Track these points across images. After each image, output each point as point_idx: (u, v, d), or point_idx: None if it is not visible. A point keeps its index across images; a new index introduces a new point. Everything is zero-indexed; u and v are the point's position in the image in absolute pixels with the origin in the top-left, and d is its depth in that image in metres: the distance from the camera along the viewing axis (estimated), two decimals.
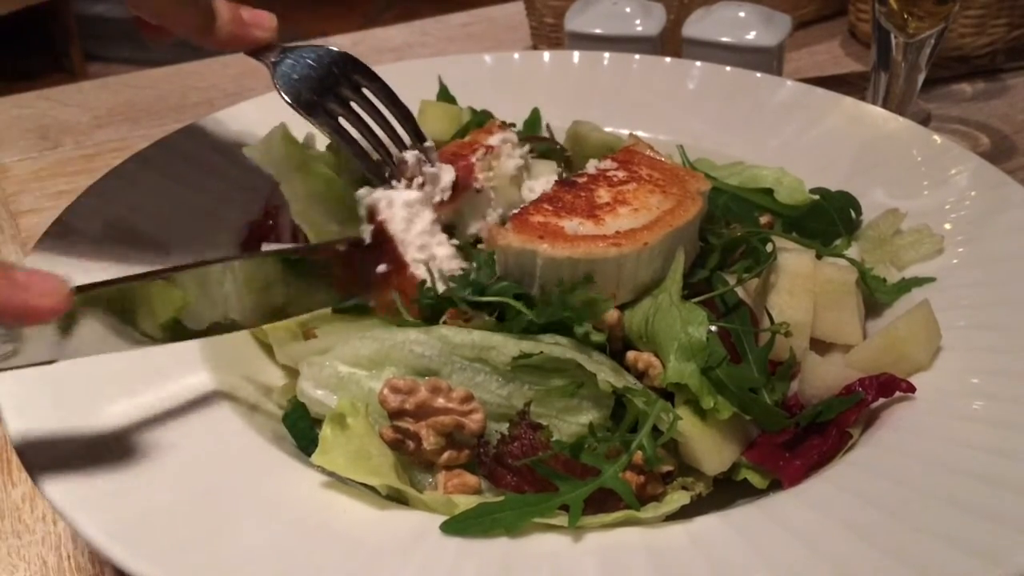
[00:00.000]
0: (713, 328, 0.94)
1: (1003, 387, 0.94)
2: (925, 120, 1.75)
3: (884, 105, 1.51)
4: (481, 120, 1.34)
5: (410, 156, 1.12)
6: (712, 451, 0.90)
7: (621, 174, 1.08)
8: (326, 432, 0.87)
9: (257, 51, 1.13)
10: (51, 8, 5.48)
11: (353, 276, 1.03)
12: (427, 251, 1.07)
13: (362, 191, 1.08)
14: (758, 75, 1.53)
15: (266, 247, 1.10)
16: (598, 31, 1.77)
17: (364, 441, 0.88)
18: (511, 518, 0.80)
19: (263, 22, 1.10)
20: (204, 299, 0.86)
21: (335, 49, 1.15)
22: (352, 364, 0.96)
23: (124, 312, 0.80)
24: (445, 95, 1.45)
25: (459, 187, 1.13)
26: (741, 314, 0.99)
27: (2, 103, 1.95)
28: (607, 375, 0.91)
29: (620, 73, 1.58)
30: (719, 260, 1.07)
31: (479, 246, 1.10)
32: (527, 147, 1.24)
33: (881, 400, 0.95)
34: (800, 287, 1.04)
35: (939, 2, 1.42)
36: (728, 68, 1.55)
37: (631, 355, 0.96)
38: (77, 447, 0.85)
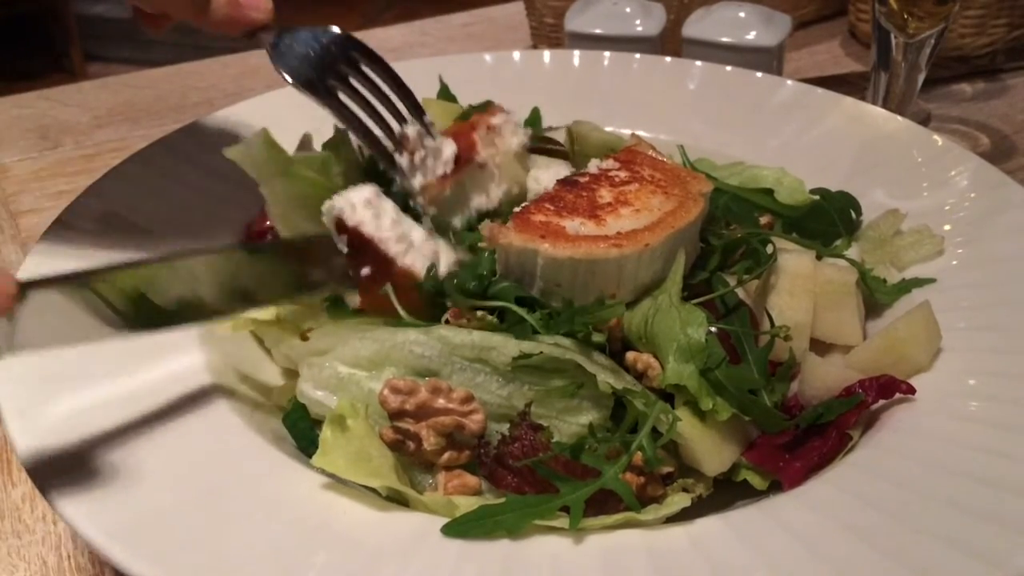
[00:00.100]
0: (713, 329, 0.94)
1: (1003, 388, 0.94)
2: (925, 120, 1.75)
3: (884, 105, 1.51)
4: (482, 108, 1.34)
5: (411, 130, 1.13)
6: (712, 452, 0.90)
7: (623, 174, 1.08)
8: (326, 434, 0.87)
9: (254, 33, 1.13)
10: (51, 8, 5.49)
11: (318, 269, 1.03)
12: (405, 240, 1.06)
13: (324, 205, 1.07)
14: (758, 75, 1.53)
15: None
16: (598, 31, 1.77)
17: (364, 442, 0.88)
18: (512, 520, 0.80)
19: (259, 3, 1.10)
20: (172, 288, 0.86)
21: (331, 28, 1.15)
22: (352, 365, 0.96)
23: (88, 303, 0.80)
24: (446, 94, 1.45)
25: (461, 160, 1.14)
26: (741, 315, 0.99)
27: (2, 103, 1.95)
28: (607, 376, 0.90)
29: (620, 73, 1.58)
30: (719, 261, 1.07)
31: (480, 244, 1.09)
32: (530, 130, 1.25)
33: (881, 401, 0.95)
34: (800, 288, 1.04)
35: (939, 2, 1.42)
36: (728, 68, 1.55)
37: (630, 356, 0.96)
38: (77, 448, 0.85)
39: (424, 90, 1.41)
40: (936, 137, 1.34)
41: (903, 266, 1.15)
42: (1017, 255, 1.10)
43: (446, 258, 1.06)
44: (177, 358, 1.00)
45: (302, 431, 0.95)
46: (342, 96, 1.13)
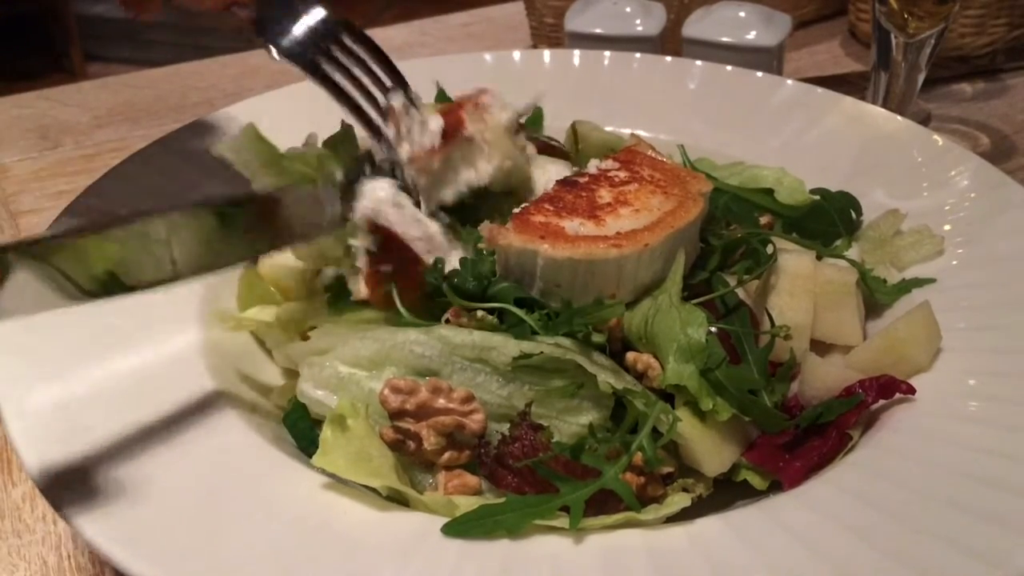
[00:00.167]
0: (713, 329, 0.94)
1: (1003, 388, 0.94)
2: (925, 120, 1.76)
3: (884, 105, 1.51)
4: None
5: (397, 101, 1.12)
6: (712, 452, 0.90)
7: (623, 174, 1.08)
8: (326, 433, 0.87)
9: (235, 6, 1.13)
10: (51, 8, 5.49)
11: (286, 226, 0.99)
12: (428, 240, 1.07)
13: (362, 202, 1.07)
14: (758, 75, 1.53)
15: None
16: (598, 31, 1.77)
17: (364, 442, 0.88)
18: (512, 520, 0.80)
19: None
20: (141, 253, 0.83)
21: (312, 2, 1.15)
22: (352, 364, 0.96)
23: (52, 270, 0.77)
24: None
25: (449, 134, 1.12)
26: (741, 315, 0.99)
27: (2, 103, 1.95)
28: (607, 376, 0.91)
29: (620, 73, 1.58)
30: (719, 261, 1.07)
31: (479, 245, 1.09)
32: (518, 109, 1.23)
33: (881, 402, 0.95)
34: (800, 288, 1.04)
35: (939, 2, 1.42)
36: (728, 68, 1.55)
37: (630, 356, 0.96)
38: (77, 449, 0.85)
39: (424, 90, 1.41)
40: (936, 137, 1.34)
41: (903, 266, 1.15)
42: (1017, 255, 1.10)
43: (456, 256, 1.06)
44: (177, 358, 1.00)
45: (302, 431, 0.95)
46: (326, 68, 1.12)
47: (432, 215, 1.10)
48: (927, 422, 0.92)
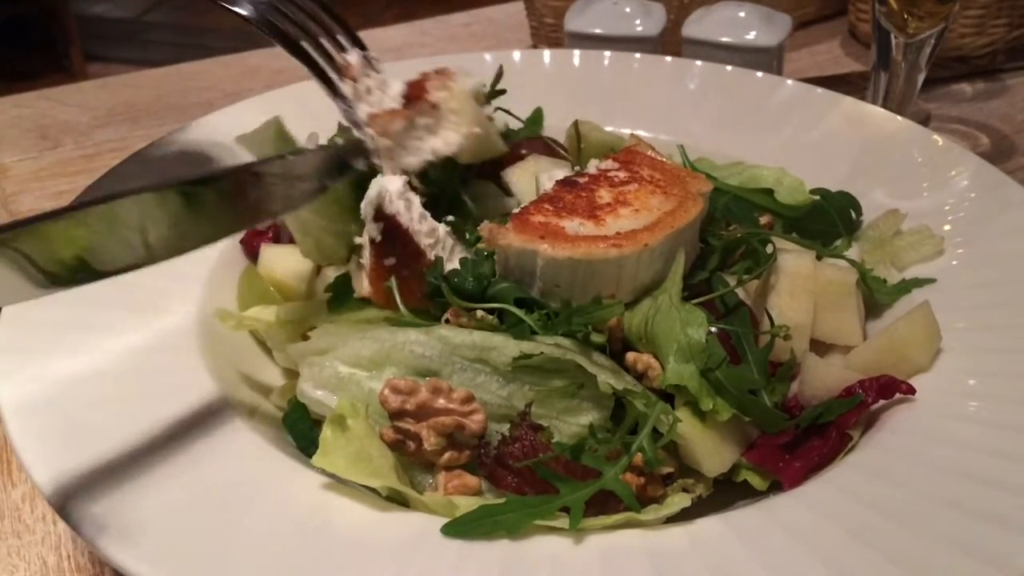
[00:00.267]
0: (713, 329, 0.94)
1: (1003, 388, 0.94)
2: (925, 120, 1.76)
3: (884, 105, 1.51)
4: None
5: (353, 58, 1.12)
6: (712, 453, 0.90)
7: (622, 174, 1.08)
8: (326, 434, 0.87)
9: None
10: (51, 8, 5.49)
11: (259, 201, 0.96)
12: (433, 235, 1.07)
13: (370, 191, 1.07)
14: (758, 75, 1.53)
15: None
16: (598, 31, 1.77)
17: (364, 443, 0.88)
18: (512, 520, 0.80)
19: None
20: (110, 236, 0.81)
21: None
22: (352, 365, 0.96)
23: (18, 256, 0.75)
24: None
25: (411, 98, 1.12)
26: (741, 315, 0.99)
27: (2, 103, 1.95)
28: (607, 376, 0.91)
29: (620, 73, 1.58)
30: (719, 261, 1.07)
31: (479, 244, 1.10)
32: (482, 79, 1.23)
33: (881, 402, 0.95)
34: (800, 288, 1.04)
35: (939, 2, 1.42)
36: (728, 68, 1.55)
37: (631, 356, 0.96)
38: (77, 450, 0.85)
39: None
40: (936, 137, 1.34)
41: (903, 266, 1.15)
42: (1017, 255, 1.10)
43: (458, 256, 1.07)
44: (177, 358, 1.00)
45: (302, 431, 0.95)
46: (281, 25, 1.11)
47: (437, 219, 1.10)
48: (927, 422, 0.92)
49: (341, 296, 1.07)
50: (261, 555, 0.77)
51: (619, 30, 1.76)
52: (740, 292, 1.02)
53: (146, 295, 1.06)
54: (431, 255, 1.06)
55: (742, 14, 1.73)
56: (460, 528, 0.80)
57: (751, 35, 1.70)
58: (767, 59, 1.69)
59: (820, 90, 1.48)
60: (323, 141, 1.20)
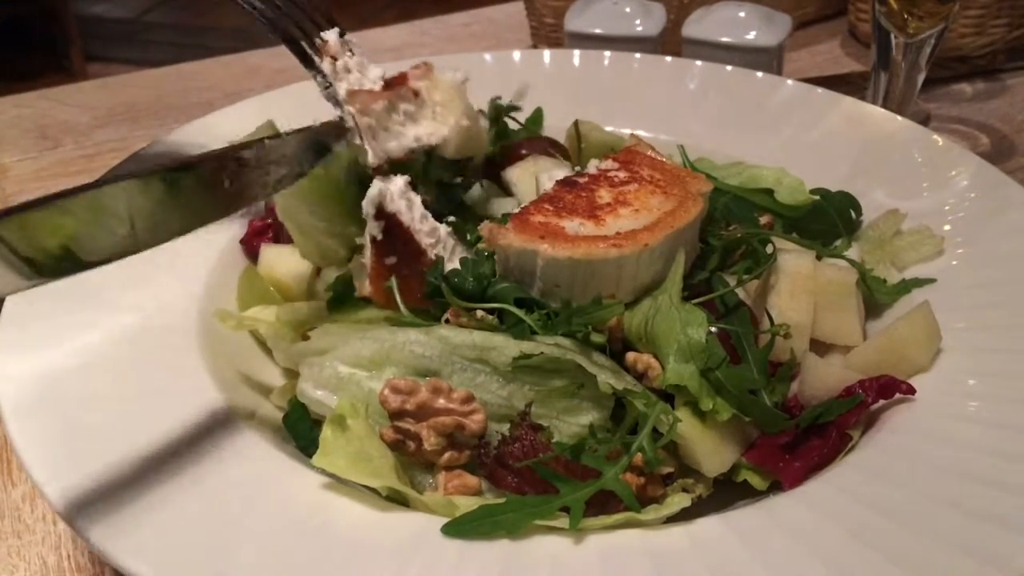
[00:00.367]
0: (713, 329, 0.94)
1: (1003, 388, 0.94)
2: (925, 120, 1.76)
3: (884, 105, 1.51)
4: None
5: (330, 36, 1.12)
6: (712, 453, 0.90)
7: (622, 174, 1.08)
8: (326, 434, 0.87)
9: None
10: (51, 8, 5.49)
11: (240, 186, 0.96)
12: (434, 235, 1.07)
13: (371, 190, 1.07)
14: (758, 75, 1.53)
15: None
16: (598, 31, 1.78)
17: (364, 443, 0.88)
18: (512, 520, 0.80)
19: None
20: (95, 225, 0.80)
21: None
22: (352, 365, 0.96)
23: (3, 248, 0.73)
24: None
25: (392, 84, 1.12)
26: (741, 315, 0.99)
27: (2, 103, 1.95)
28: (607, 376, 0.91)
29: (620, 73, 1.58)
30: (719, 261, 1.07)
31: (479, 244, 1.10)
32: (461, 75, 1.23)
33: (881, 402, 0.95)
34: (800, 288, 1.04)
35: (939, 2, 1.42)
36: (728, 68, 1.55)
37: (631, 356, 0.96)
38: (77, 450, 0.85)
39: None
40: (936, 137, 1.34)
41: (903, 266, 1.15)
42: (1017, 255, 1.10)
43: (458, 256, 1.07)
44: (177, 358, 1.00)
45: (302, 431, 0.95)
46: (261, 5, 1.11)
47: (437, 218, 1.10)
48: (927, 422, 0.92)
49: (341, 296, 1.07)
50: (261, 555, 0.77)
51: (619, 30, 1.76)
52: (740, 292, 1.02)
53: (146, 295, 1.06)
54: (432, 254, 1.06)
55: (742, 14, 1.73)
56: (460, 528, 0.80)
57: (751, 35, 1.70)
58: (767, 59, 1.69)
59: (820, 90, 1.48)
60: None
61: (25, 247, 0.74)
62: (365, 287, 1.05)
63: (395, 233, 1.06)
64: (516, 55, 1.64)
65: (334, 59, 1.10)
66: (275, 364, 1.10)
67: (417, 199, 1.08)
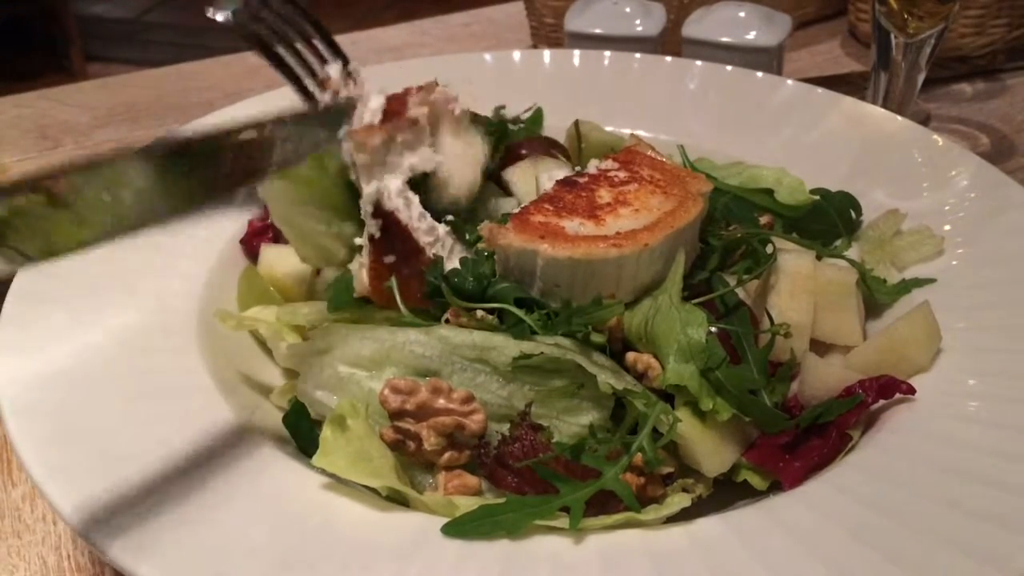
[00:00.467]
0: (713, 329, 0.94)
1: (1003, 388, 0.94)
2: (925, 120, 1.76)
3: (884, 105, 1.51)
4: None
5: (333, 70, 1.12)
6: (712, 453, 0.90)
7: (622, 174, 1.08)
8: (326, 434, 0.87)
9: None
10: (51, 8, 5.49)
11: (244, 167, 0.92)
12: (433, 233, 1.07)
13: (369, 188, 1.07)
14: (758, 75, 1.53)
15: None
16: (598, 31, 1.77)
17: (364, 443, 0.88)
18: (512, 520, 0.80)
19: None
20: (87, 205, 0.77)
21: None
22: (352, 365, 0.96)
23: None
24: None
25: (390, 113, 1.12)
26: (741, 315, 0.99)
27: (2, 103, 1.95)
28: (607, 376, 0.91)
29: (620, 73, 1.58)
30: (719, 261, 1.07)
31: (479, 244, 1.10)
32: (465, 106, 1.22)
33: (881, 402, 0.95)
34: (800, 288, 1.04)
35: (939, 2, 1.42)
36: (728, 68, 1.55)
37: (631, 356, 0.96)
38: (76, 450, 0.85)
39: None
40: (936, 137, 1.34)
41: (903, 266, 1.15)
42: (1017, 255, 1.10)
43: (458, 255, 1.07)
44: (177, 358, 1.00)
45: (302, 431, 0.95)
46: (265, 38, 1.12)
47: (437, 218, 1.10)
48: (927, 422, 0.92)
49: (341, 296, 1.07)
50: (262, 554, 0.77)
51: (619, 30, 1.76)
52: (740, 292, 1.02)
53: (146, 295, 1.06)
54: (430, 253, 1.06)
55: (742, 14, 1.73)
56: (460, 528, 0.80)
57: (751, 35, 1.70)
58: (767, 59, 1.69)
59: (820, 90, 1.48)
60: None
61: (16, 230, 0.72)
62: (364, 287, 1.05)
63: (393, 231, 1.06)
64: (516, 55, 1.64)
65: (335, 94, 1.11)
66: (275, 364, 1.10)
67: (415, 197, 1.09)
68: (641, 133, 1.35)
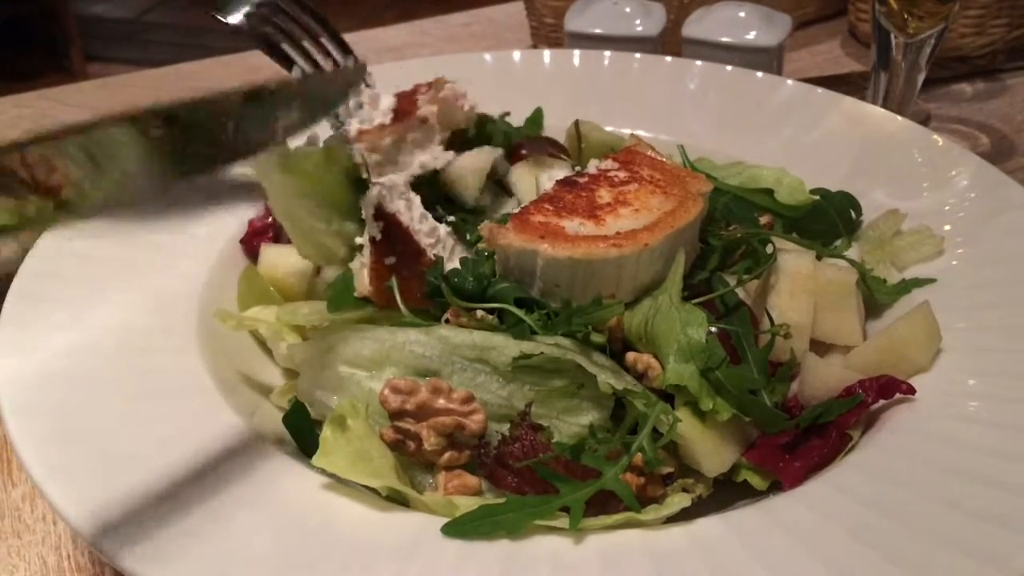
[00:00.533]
0: (713, 329, 0.94)
1: (1003, 388, 0.94)
2: (925, 120, 1.76)
3: (884, 105, 1.51)
4: None
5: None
6: (712, 453, 0.90)
7: (622, 174, 1.08)
8: (326, 434, 0.87)
9: None
10: (51, 8, 5.49)
11: (247, 133, 0.88)
12: (434, 235, 1.07)
13: (371, 191, 1.08)
14: (758, 75, 1.53)
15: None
16: (598, 31, 1.77)
17: (364, 443, 0.88)
18: (512, 520, 0.80)
19: None
20: (87, 169, 0.76)
21: None
22: (352, 365, 0.96)
23: None
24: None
25: (401, 113, 1.13)
26: (741, 315, 0.99)
27: (2, 103, 1.94)
28: (607, 376, 0.91)
29: (620, 73, 1.58)
30: (719, 261, 1.07)
31: (479, 244, 1.10)
32: (474, 104, 1.24)
33: (881, 402, 0.95)
34: (800, 288, 1.04)
35: (939, 2, 1.42)
36: (728, 68, 1.55)
37: (631, 356, 0.96)
38: (76, 450, 0.85)
39: None
40: (936, 137, 1.34)
41: (903, 266, 1.15)
42: (1017, 255, 1.10)
43: (458, 256, 1.07)
44: (177, 358, 1.00)
45: (302, 431, 0.95)
46: (274, 40, 1.12)
47: (437, 218, 1.11)
48: (927, 422, 0.92)
49: (341, 296, 1.07)
50: (261, 554, 0.77)
51: (619, 30, 1.76)
52: (740, 292, 1.02)
53: (146, 295, 1.06)
54: (431, 254, 1.06)
55: (742, 14, 1.73)
56: (460, 528, 0.80)
57: (751, 35, 1.70)
58: (767, 59, 1.69)
59: (820, 90, 1.48)
60: (322, 139, 1.20)
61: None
62: (364, 287, 1.05)
63: (394, 233, 1.06)
64: (516, 55, 1.64)
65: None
66: (275, 364, 1.10)
67: (416, 199, 1.09)
68: (641, 133, 1.35)
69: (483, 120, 1.31)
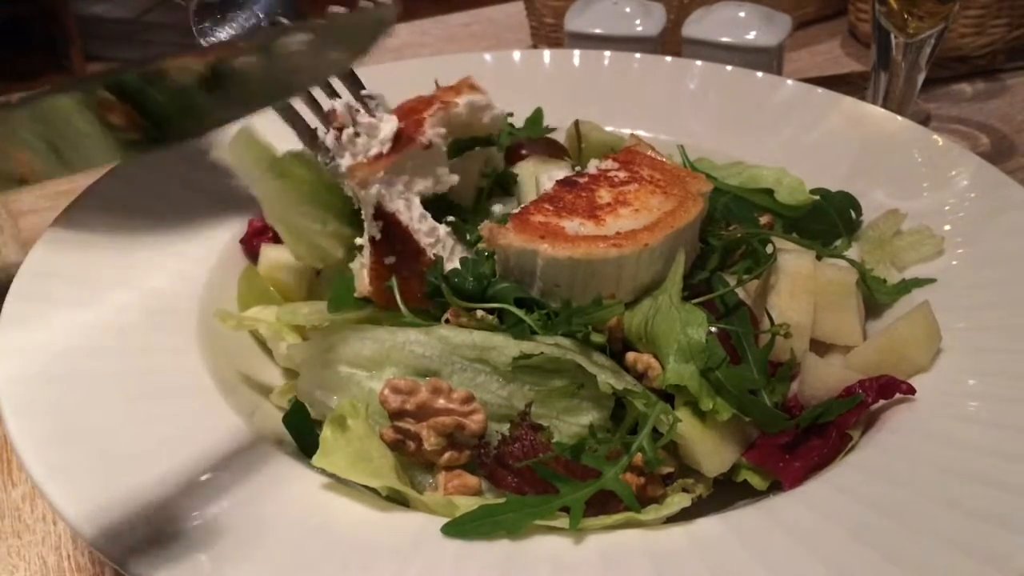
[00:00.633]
0: (713, 329, 0.94)
1: (1003, 388, 0.94)
2: (925, 120, 1.76)
3: (884, 105, 1.51)
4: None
5: (340, 105, 1.08)
6: (712, 453, 0.90)
7: (622, 174, 1.08)
8: (326, 434, 0.87)
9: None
10: (51, 8, 5.49)
11: (227, 98, 0.78)
12: (434, 235, 1.07)
13: (371, 191, 1.07)
14: (758, 75, 1.53)
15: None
16: (598, 31, 1.78)
17: (364, 443, 0.88)
18: (512, 520, 0.80)
19: None
20: (58, 141, 0.68)
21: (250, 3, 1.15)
22: (352, 364, 0.96)
23: None
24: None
25: (402, 140, 1.07)
26: (741, 315, 0.99)
27: None
28: (607, 376, 0.91)
29: (620, 73, 1.58)
30: (719, 261, 1.07)
31: (479, 244, 1.10)
32: (498, 111, 1.21)
33: (881, 402, 0.95)
34: (800, 288, 1.04)
35: (939, 2, 1.42)
36: (728, 68, 1.55)
37: (631, 356, 0.96)
38: (76, 450, 0.85)
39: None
40: (936, 137, 1.34)
41: (903, 266, 1.16)
42: (1017, 255, 1.10)
43: (458, 256, 1.07)
44: (177, 358, 1.00)
45: (302, 431, 0.95)
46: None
47: (438, 219, 1.10)
48: (927, 422, 0.92)
49: (341, 296, 1.07)
50: (261, 555, 0.77)
51: (619, 30, 1.76)
52: (740, 292, 1.02)
53: (146, 295, 1.06)
54: (431, 254, 1.06)
55: (742, 14, 1.73)
56: (460, 528, 0.80)
57: (751, 35, 1.70)
58: (767, 59, 1.69)
59: (820, 90, 1.48)
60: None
61: None
62: (365, 287, 1.05)
63: (394, 233, 1.06)
64: (516, 55, 1.64)
65: (340, 129, 1.07)
66: (275, 364, 1.10)
67: (416, 199, 1.08)
68: (641, 133, 1.35)
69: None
